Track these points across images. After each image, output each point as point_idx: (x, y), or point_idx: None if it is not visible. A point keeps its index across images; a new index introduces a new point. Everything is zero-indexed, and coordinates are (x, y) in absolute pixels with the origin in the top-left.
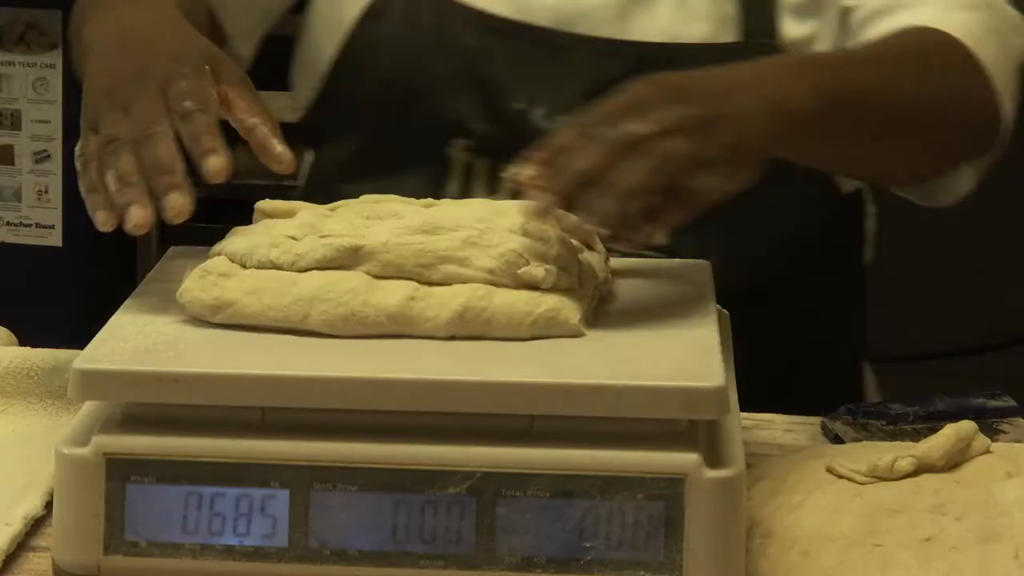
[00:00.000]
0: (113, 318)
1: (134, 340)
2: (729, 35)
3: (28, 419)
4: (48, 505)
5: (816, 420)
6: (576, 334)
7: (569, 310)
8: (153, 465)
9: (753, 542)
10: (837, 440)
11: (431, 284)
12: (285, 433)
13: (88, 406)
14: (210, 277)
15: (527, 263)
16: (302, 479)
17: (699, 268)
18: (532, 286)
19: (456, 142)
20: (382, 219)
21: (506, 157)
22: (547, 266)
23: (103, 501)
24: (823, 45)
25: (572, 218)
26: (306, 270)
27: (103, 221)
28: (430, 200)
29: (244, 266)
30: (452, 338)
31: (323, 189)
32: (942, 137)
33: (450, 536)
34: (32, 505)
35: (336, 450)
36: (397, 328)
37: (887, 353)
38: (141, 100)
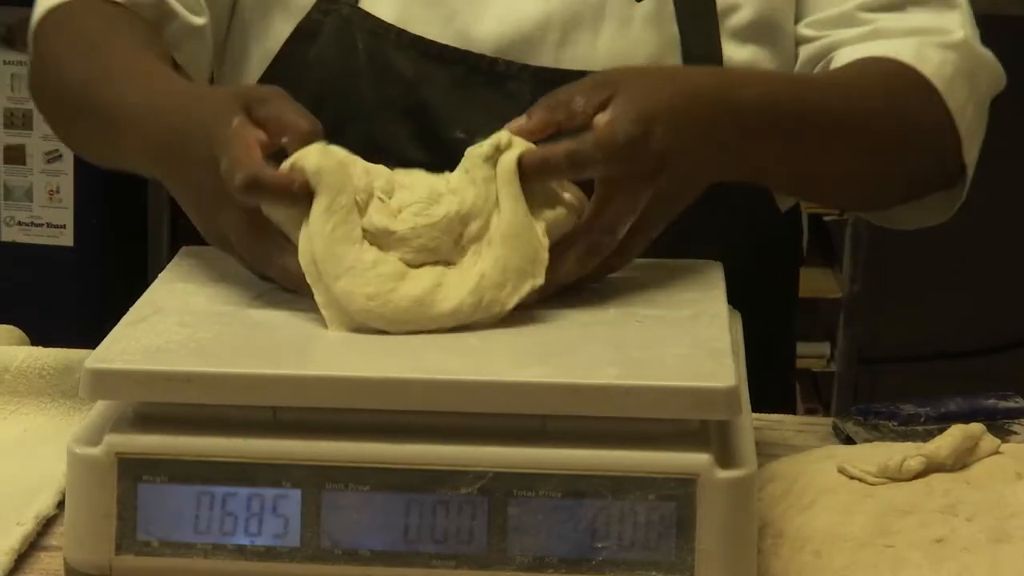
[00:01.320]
0: (125, 317)
1: (146, 339)
2: (673, 59)
3: (40, 418)
4: (60, 504)
5: (827, 421)
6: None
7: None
8: (165, 464)
9: (765, 542)
10: (848, 441)
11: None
12: (297, 433)
13: (100, 405)
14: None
15: None
16: (314, 479)
17: (710, 267)
18: None
19: None
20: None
21: None
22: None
23: (115, 501)
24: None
25: None
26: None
27: None
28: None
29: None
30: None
31: None
32: (897, 171)
33: (462, 536)
34: (44, 504)
35: (348, 450)
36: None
37: (895, 353)
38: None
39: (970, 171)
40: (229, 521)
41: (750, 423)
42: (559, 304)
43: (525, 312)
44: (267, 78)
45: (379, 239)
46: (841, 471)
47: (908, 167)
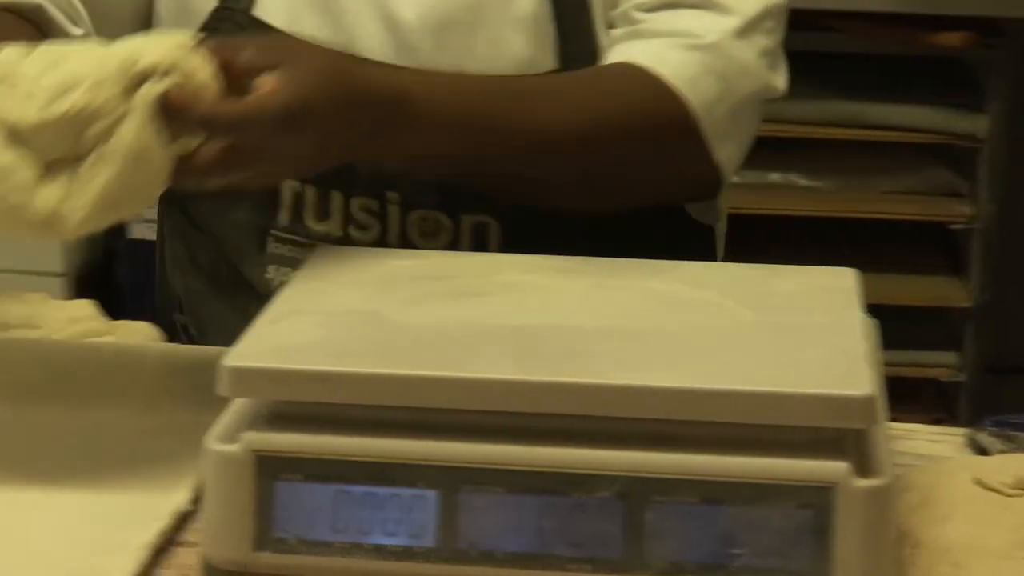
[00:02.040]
0: (262, 316)
1: (283, 338)
2: (549, 59)
3: (173, 415)
4: (195, 500)
5: (960, 431)
6: None
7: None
8: (302, 463)
9: (902, 552)
10: (983, 452)
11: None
12: (434, 434)
13: (236, 403)
14: None
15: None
16: (450, 480)
17: (845, 275)
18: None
19: None
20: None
21: (335, 187)
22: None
23: (253, 498)
24: None
25: None
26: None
27: None
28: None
29: None
30: None
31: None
32: (619, 170)
33: (598, 540)
34: (180, 500)
35: (485, 452)
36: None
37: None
38: None
39: (726, 171)
40: (366, 520)
41: (887, 432)
42: (693, 309)
43: (661, 318)
44: None
45: (14, 132)
46: (978, 482)
47: (637, 166)
